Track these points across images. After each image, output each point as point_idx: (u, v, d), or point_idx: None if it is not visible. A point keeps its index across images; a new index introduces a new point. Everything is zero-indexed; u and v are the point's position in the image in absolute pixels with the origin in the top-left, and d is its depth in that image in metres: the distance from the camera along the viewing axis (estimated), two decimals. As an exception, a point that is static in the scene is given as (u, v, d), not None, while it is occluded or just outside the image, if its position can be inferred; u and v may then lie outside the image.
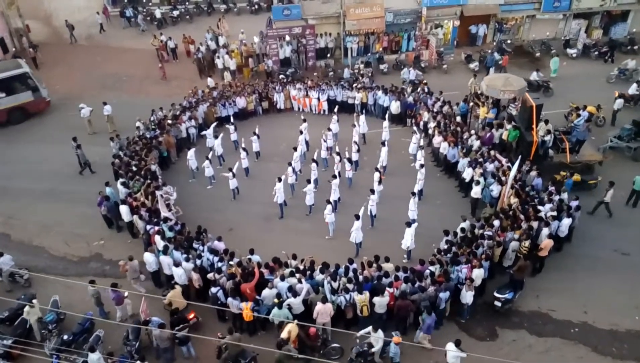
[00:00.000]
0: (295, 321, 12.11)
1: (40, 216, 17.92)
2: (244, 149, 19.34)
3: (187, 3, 36.55)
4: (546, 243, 14.16)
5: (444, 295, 12.75)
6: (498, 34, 29.85)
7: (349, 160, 18.50)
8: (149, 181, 17.10)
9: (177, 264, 13.73)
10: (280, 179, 17.00)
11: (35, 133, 23.37)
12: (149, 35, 30.81)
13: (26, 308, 13.10)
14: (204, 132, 21.05)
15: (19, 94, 24.01)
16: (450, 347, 11.58)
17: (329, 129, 20.44)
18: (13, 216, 18.10)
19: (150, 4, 36.57)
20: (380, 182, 17.27)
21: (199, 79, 27.41)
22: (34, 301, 13.30)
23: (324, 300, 12.35)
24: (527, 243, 13.99)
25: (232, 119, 21.72)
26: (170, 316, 12.97)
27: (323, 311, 12.37)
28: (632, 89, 22.58)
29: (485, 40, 30.03)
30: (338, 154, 18.64)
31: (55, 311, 13.33)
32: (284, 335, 11.78)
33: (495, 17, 29.13)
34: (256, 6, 35.89)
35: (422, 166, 17.60)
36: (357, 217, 15.13)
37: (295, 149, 19.05)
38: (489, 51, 28.04)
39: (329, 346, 12.56)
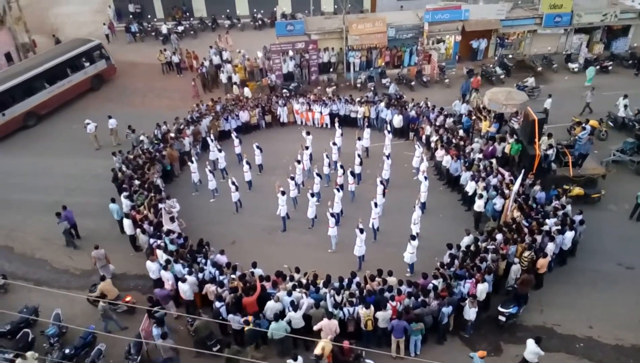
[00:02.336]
0: (330, 337, 11.97)
1: (42, 229, 17.95)
2: (247, 162, 19.41)
3: (191, 19, 37.01)
4: (542, 262, 14.09)
5: (446, 310, 12.67)
6: (499, 49, 30.08)
7: (352, 173, 18.52)
8: (152, 195, 17.16)
9: (182, 279, 13.69)
10: (283, 193, 17.03)
11: (38, 146, 23.56)
12: (154, 50, 31.09)
13: (18, 360, 12.14)
14: (210, 138, 21.22)
15: (97, 63, 28.53)
16: (530, 343, 11.66)
17: (334, 144, 20.51)
18: (16, 228, 18.16)
19: (155, 19, 37.03)
20: (384, 195, 17.27)
21: (202, 93, 27.62)
22: (29, 353, 12.23)
23: (330, 316, 12.29)
24: (527, 254, 13.95)
25: (234, 133, 21.77)
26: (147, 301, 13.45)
27: (327, 328, 12.29)
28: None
29: (487, 54, 30.25)
30: (342, 167, 18.67)
31: (58, 325, 13.28)
32: (317, 351, 11.69)
33: (497, 32, 29.38)
34: (260, 22, 36.30)
35: (425, 178, 17.63)
36: (361, 231, 15.10)
37: (298, 162, 19.12)
38: (491, 65, 28.26)
39: (362, 362, 12.33)
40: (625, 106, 21.85)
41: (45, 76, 25.77)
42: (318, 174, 18.43)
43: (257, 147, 20.34)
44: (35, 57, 28.33)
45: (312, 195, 17.28)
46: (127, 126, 21.99)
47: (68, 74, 26.88)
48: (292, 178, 18.10)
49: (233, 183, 18.02)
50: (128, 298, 14.31)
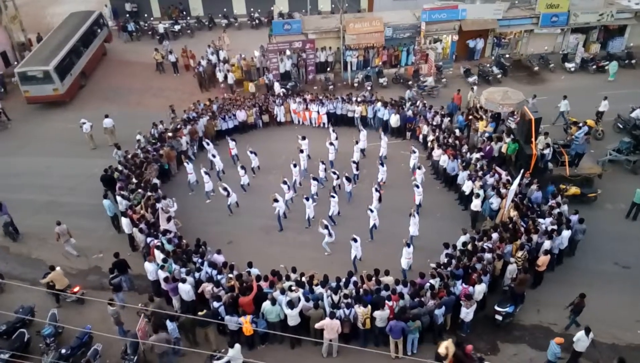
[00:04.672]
0: (450, 339, 11.84)
1: (39, 228, 17.87)
2: (243, 167, 19.32)
3: (188, 18, 36.93)
4: (543, 259, 14.14)
5: (439, 312, 12.64)
6: (496, 49, 30.13)
7: (347, 178, 18.38)
8: (149, 194, 17.10)
9: (182, 280, 13.67)
10: (277, 200, 16.98)
11: (34, 146, 23.46)
12: (151, 49, 31.00)
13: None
14: (208, 140, 21.14)
15: (103, 29, 32.42)
16: (581, 335, 11.86)
17: (331, 144, 20.40)
18: (12, 228, 18.07)
19: (152, 18, 36.92)
20: (380, 200, 17.24)
21: (199, 93, 27.58)
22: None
23: (332, 316, 12.32)
24: (520, 254, 13.97)
25: (228, 138, 21.56)
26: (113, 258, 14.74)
27: (329, 327, 12.33)
28: None
29: (484, 54, 30.30)
30: (334, 173, 18.53)
31: (54, 325, 13.23)
32: (441, 350, 11.59)
33: (494, 31, 29.42)
34: (257, 21, 36.25)
35: (417, 186, 17.53)
36: (355, 240, 15.09)
37: (295, 165, 19.03)
38: (488, 65, 28.31)
39: None
40: None
41: (82, 41, 29.12)
42: (315, 179, 18.39)
43: (251, 152, 20.22)
44: (59, 28, 30.23)
45: (307, 199, 17.25)
46: (168, 106, 23.72)
47: (92, 40, 30.50)
48: (285, 183, 17.95)
49: (225, 189, 17.92)
50: (76, 289, 14.68)
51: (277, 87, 26.41)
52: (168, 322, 12.62)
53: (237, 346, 11.75)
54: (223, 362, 11.61)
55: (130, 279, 15.27)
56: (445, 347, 11.53)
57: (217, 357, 11.83)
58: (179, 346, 12.90)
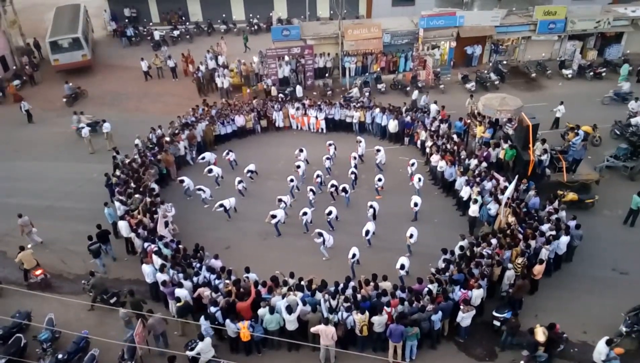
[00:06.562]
0: (538, 324, 12.19)
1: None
2: (240, 181, 19.27)
3: (187, 23, 37.02)
4: (539, 268, 14.12)
5: (435, 317, 12.61)
6: (494, 55, 30.29)
7: (345, 190, 18.34)
8: (148, 199, 17.06)
9: (179, 285, 13.65)
10: (274, 216, 16.97)
11: (32, 150, 23.42)
12: (150, 55, 31.07)
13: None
14: (203, 155, 21.10)
15: (90, 21, 34.54)
16: (602, 344, 11.77)
17: (328, 158, 20.34)
18: (9, 233, 17.95)
19: (150, 24, 37.01)
20: (374, 217, 17.17)
21: (198, 98, 27.59)
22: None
23: (327, 322, 12.29)
24: (520, 260, 13.98)
25: (224, 153, 21.35)
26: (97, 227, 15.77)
27: (324, 333, 12.28)
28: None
29: (481, 60, 30.44)
30: (333, 185, 18.52)
31: (50, 330, 13.17)
32: (540, 337, 11.76)
33: (491, 38, 29.58)
34: (256, 27, 36.37)
35: (415, 204, 17.46)
36: (353, 256, 15.09)
37: (292, 180, 18.96)
38: (485, 71, 28.43)
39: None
40: None
41: (84, 22, 31.50)
42: (312, 190, 18.36)
43: (249, 171, 20.19)
44: (58, 17, 31.99)
45: (305, 213, 17.22)
46: (195, 105, 24.35)
47: (88, 25, 32.99)
48: (281, 200, 17.78)
49: (221, 205, 17.89)
50: (38, 272, 15.25)
51: (300, 91, 26.46)
52: (202, 320, 12.62)
53: (208, 340, 12.04)
54: (195, 352, 11.96)
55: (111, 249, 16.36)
56: (542, 331, 11.73)
57: (190, 347, 12.15)
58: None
